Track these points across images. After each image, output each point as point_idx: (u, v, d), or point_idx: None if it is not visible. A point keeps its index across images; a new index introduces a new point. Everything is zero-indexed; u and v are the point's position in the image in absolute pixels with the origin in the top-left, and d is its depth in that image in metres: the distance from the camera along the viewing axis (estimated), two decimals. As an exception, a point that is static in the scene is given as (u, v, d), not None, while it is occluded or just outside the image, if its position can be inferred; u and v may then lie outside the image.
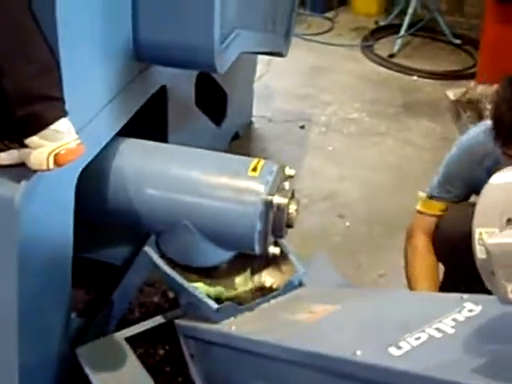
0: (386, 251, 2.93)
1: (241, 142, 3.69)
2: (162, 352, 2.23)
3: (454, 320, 1.32)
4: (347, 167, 3.53)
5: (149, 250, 1.95)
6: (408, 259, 2.26)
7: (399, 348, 1.23)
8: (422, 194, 2.30)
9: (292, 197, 1.91)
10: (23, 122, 1.45)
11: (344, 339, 1.43)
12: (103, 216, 1.98)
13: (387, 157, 3.65)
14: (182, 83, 2.50)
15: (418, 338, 1.27)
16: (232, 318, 1.83)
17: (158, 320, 2.11)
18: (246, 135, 3.79)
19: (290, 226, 1.91)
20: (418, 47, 5.10)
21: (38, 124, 1.45)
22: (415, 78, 4.59)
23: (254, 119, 3.93)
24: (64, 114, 1.48)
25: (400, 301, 1.65)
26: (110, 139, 1.92)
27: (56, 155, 1.47)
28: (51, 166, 1.47)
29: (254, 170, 1.87)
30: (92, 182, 1.92)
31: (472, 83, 4.14)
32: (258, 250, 1.88)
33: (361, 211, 3.18)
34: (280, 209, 1.84)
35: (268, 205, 1.83)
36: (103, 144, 1.88)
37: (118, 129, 1.96)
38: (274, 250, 1.91)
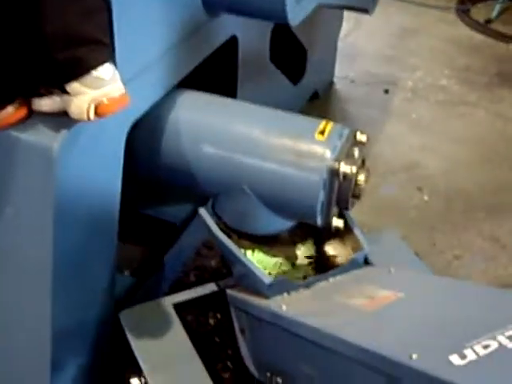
0: (464, 230, 2.72)
1: (319, 102, 3.50)
2: (212, 321, 2.08)
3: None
4: (431, 137, 3.30)
5: (203, 212, 1.81)
6: None
7: (463, 357, 1.05)
8: None
9: (362, 165, 1.72)
10: (64, 66, 1.32)
11: (401, 337, 1.26)
12: (156, 173, 1.84)
13: (475, 129, 3.40)
14: (255, 35, 2.32)
15: (486, 347, 1.09)
16: (285, 294, 1.68)
17: (210, 288, 1.97)
18: (326, 96, 3.60)
19: (357, 197, 1.73)
20: (518, 13, 4.75)
21: (79, 68, 1.32)
22: (512, 46, 4.28)
23: (335, 79, 3.72)
24: (108, 59, 1.34)
25: (473, 297, 1.46)
26: (168, 90, 1.76)
27: (97, 104, 1.33)
28: (92, 116, 1.34)
29: (322, 133, 1.69)
30: (145, 136, 1.78)
31: None
32: (319, 221, 1.72)
33: (441, 185, 2.96)
34: (347, 178, 1.66)
35: (333, 173, 1.65)
36: (159, 95, 1.73)
37: (177, 80, 1.81)
38: (337, 222, 1.74)
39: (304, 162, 1.67)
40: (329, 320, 1.46)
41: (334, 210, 1.73)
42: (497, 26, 4.48)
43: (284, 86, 2.88)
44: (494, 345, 1.09)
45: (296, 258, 1.88)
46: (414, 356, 1.07)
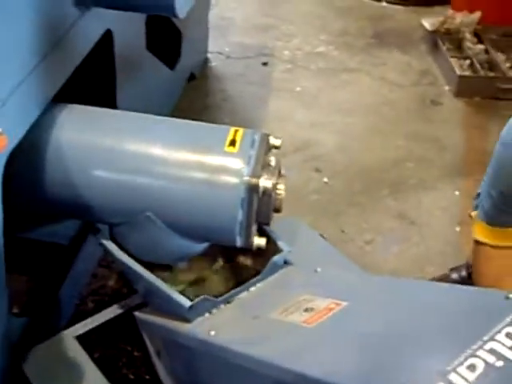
0: (370, 211, 2.58)
1: (196, 83, 3.25)
2: (123, 351, 1.85)
3: (508, 335, 0.97)
4: (318, 111, 3.13)
5: (107, 243, 1.56)
6: None
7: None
8: (480, 222, 1.72)
9: (279, 174, 1.51)
10: None
11: (354, 360, 1.08)
12: (40, 205, 1.56)
13: (362, 97, 3.26)
14: (130, 25, 2.05)
15: (471, 368, 0.91)
16: (206, 315, 1.48)
17: (113, 311, 1.75)
18: (202, 75, 3.35)
19: (277, 210, 1.52)
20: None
21: None
22: (384, 3, 4.17)
23: (209, 56, 3.48)
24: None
25: (431, 299, 1.26)
26: (43, 109, 1.48)
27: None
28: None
29: (232, 143, 1.47)
30: (24, 162, 1.49)
31: (449, 11, 3.73)
32: (239, 242, 1.50)
33: (338, 164, 2.80)
34: (267, 192, 1.45)
35: (252, 189, 1.44)
36: (34, 116, 1.44)
37: (53, 93, 1.52)
38: (259, 241, 1.53)
39: (217, 179, 1.45)
40: (267, 343, 1.28)
41: (254, 227, 1.51)
42: (365, -16, 4.36)
43: (162, 72, 2.63)
44: (479, 364, 0.91)
45: (204, 277, 1.66)
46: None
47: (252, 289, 1.55)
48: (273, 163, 1.51)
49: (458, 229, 2.50)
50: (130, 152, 1.49)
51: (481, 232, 1.72)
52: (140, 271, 1.51)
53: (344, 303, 1.34)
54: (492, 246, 1.69)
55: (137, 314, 1.61)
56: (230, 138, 1.48)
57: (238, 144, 1.47)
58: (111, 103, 1.95)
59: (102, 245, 1.58)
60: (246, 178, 1.43)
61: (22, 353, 1.60)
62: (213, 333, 1.39)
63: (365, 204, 2.59)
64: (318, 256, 1.78)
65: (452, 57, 3.41)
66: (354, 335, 1.21)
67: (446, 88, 3.36)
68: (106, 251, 1.59)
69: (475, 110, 3.22)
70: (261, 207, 1.48)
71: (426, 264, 2.34)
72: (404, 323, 1.19)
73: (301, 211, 2.44)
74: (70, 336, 1.69)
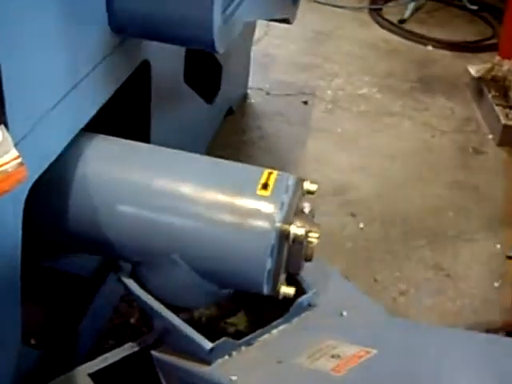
0: (406, 260, 2.49)
1: (234, 118, 3.20)
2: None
3: None
4: (358, 154, 3.05)
5: (128, 281, 1.49)
6: None
7: None
8: None
9: (312, 222, 1.44)
10: None
11: None
12: (61, 236, 1.50)
13: (403, 142, 3.17)
14: (168, 56, 2.00)
15: None
16: (226, 357, 1.41)
17: (129, 349, 1.68)
18: (241, 111, 3.30)
19: (309, 259, 1.44)
20: (430, 12, 4.58)
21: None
22: (430, 47, 4.09)
23: (249, 91, 3.43)
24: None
25: (464, 347, 1.25)
26: (72, 138, 1.43)
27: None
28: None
29: (265, 186, 1.40)
30: (49, 192, 1.44)
31: (496, 58, 3.64)
32: (266, 291, 1.43)
33: (375, 209, 2.71)
34: (298, 240, 1.38)
35: (283, 236, 1.36)
36: (63, 145, 1.39)
37: (84, 123, 1.47)
38: (286, 290, 1.45)
39: (247, 223, 1.37)
40: None
41: (283, 276, 1.44)
42: (411, 27, 4.30)
43: (199, 106, 2.57)
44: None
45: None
46: None
47: (274, 331, 1.48)
48: (306, 210, 1.44)
49: (496, 284, 2.40)
50: (158, 189, 1.43)
51: None
52: (159, 309, 1.45)
53: (373, 351, 1.28)
54: None
55: (154, 352, 1.54)
56: (262, 180, 1.41)
57: (270, 188, 1.40)
58: (145, 136, 1.90)
59: (121, 282, 1.51)
60: (278, 224, 1.36)
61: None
62: (234, 378, 1.32)
63: (400, 252, 2.50)
64: (343, 299, 1.67)
65: (497, 105, 3.32)
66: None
67: (490, 136, 3.27)
68: (126, 288, 1.53)
69: (519, 160, 3.12)
70: (291, 255, 1.41)
71: (460, 321, 2.25)
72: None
73: (334, 257, 2.36)
74: (83, 373, 1.63)
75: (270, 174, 1.43)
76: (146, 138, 1.89)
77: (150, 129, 1.92)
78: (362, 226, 2.61)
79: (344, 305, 1.56)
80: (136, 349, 1.68)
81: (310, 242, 1.43)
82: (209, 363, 1.40)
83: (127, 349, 1.69)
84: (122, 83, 1.66)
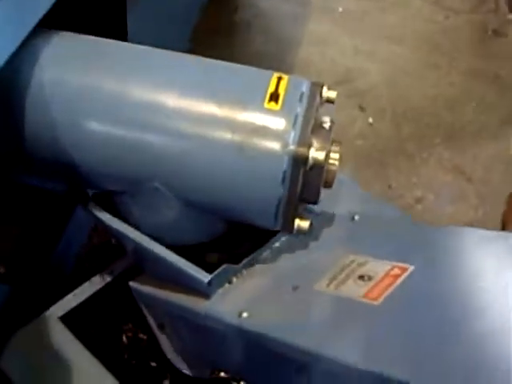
0: (422, 163, 2.21)
1: (223, -4, 2.82)
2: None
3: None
4: (364, 37, 2.71)
5: (102, 214, 1.21)
6: None
7: None
8: None
9: (332, 139, 1.14)
10: None
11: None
12: (20, 161, 1.19)
13: (414, 23, 2.83)
14: None
15: None
16: (227, 285, 1.16)
17: (98, 283, 1.46)
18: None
19: (329, 185, 1.15)
20: None
21: None
22: None
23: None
24: None
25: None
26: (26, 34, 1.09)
27: None
28: None
29: (274, 97, 1.08)
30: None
31: None
32: (277, 226, 1.14)
33: (385, 101, 2.41)
34: (317, 165, 1.08)
35: (298, 161, 1.06)
36: (12, 48, 1.06)
37: (39, 16, 1.13)
38: (302, 223, 1.16)
39: (251, 145, 1.07)
40: (331, 335, 0.97)
41: (299, 207, 1.15)
42: None
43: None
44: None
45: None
46: None
47: (276, 245, 1.23)
48: (327, 124, 1.13)
49: (523, 190, 2.13)
50: (135, 99, 1.11)
51: None
52: (142, 241, 1.18)
53: (409, 267, 1.04)
54: None
55: (132, 284, 1.29)
56: (271, 89, 1.09)
57: (281, 98, 1.08)
58: (120, 28, 1.56)
59: (92, 215, 1.22)
60: (292, 147, 1.06)
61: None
62: (245, 314, 1.08)
63: (414, 153, 2.22)
64: (355, 204, 1.38)
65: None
66: (443, 318, 0.93)
67: (510, 17, 2.91)
68: (98, 220, 1.24)
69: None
70: (308, 182, 1.11)
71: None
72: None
73: (343, 158, 2.06)
74: (53, 317, 1.39)
75: (279, 79, 1.12)
76: (122, 30, 1.56)
77: (126, 16, 1.58)
78: (371, 120, 2.31)
79: (356, 209, 1.29)
80: (108, 280, 1.45)
81: (332, 165, 1.13)
82: (207, 296, 1.15)
83: (97, 282, 1.46)
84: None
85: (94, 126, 1.11)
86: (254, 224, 1.18)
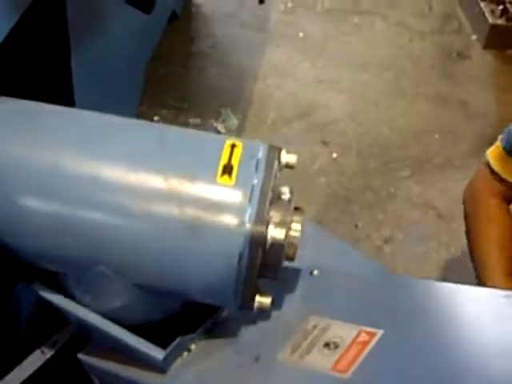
0: (389, 198, 2.10)
1: (179, 24, 2.71)
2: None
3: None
4: (325, 63, 2.63)
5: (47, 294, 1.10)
6: (478, 229, 1.58)
7: None
8: (498, 144, 1.57)
9: (292, 210, 1.04)
10: None
11: None
12: None
13: (376, 47, 2.75)
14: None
15: None
16: (185, 354, 1.06)
17: (40, 358, 1.27)
18: (186, 14, 2.81)
19: (291, 258, 1.06)
20: None
21: None
22: None
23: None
24: None
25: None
26: None
27: None
28: None
29: (228, 170, 0.98)
30: None
31: None
32: (237, 305, 1.04)
33: (350, 134, 2.31)
34: (276, 244, 0.98)
35: (255, 242, 0.96)
36: None
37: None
38: (262, 299, 1.06)
39: (202, 225, 0.96)
40: None
41: (257, 285, 1.04)
42: None
43: (135, 19, 2.10)
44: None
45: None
46: None
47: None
48: (286, 195, 1.03)
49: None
50: (74, 173, 1.00)
51: (494, 156, 1.57)
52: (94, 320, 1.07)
53: (378, 332, 0.94)
54: (495, 174, 1.54)
55: (82, 356, 1.16)
56: (224, 160, 0.99)
57: (235, 170, 0.98)
58: (65, 81, 1.45)
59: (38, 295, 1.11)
60: (248, 226, 0.95)
61: None
62: None
63: (381, 189, 2.12)
64: (313, 251, 1.27)
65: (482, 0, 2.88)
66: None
67: (474, 37, 2.85)
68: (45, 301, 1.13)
69: (508, 66, 2.72)
70: (268, 260, 1.01)
71: (456, 272, 1.90)
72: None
73: (305, 196, 1.97)
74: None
75: (233, 147, 1.01)
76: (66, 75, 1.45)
77: (71, 65, 1.47)
78: (335, 156, 2.21)
79: (316, 261, 1.18)
80: (51, 353, 1.28)
81: (293, 238, 1.03)
82: (163, 371, 1.04)
83: (38, 357, 1.30)
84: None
85: (28, 202, 1.00)
86: (212, 304, 1.08)
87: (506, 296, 0.97)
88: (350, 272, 1.18)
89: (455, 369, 0.88)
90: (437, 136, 2.32)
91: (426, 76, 2.58)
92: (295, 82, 2.48)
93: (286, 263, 1.12)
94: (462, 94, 2.52)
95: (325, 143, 2.23)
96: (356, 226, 1.98)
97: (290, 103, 2.33)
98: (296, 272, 1.17)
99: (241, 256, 0.96)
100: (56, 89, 1.39)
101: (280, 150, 1.05)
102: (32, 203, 1.00)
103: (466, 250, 1.88)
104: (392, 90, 2.50)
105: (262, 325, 1.10)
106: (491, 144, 2.15)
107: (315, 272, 1.16)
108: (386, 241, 1.95)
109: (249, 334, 1.09)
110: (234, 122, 2.20)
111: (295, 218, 1.03)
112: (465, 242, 1.91)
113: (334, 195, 2.07)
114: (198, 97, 2.09)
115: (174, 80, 2.27)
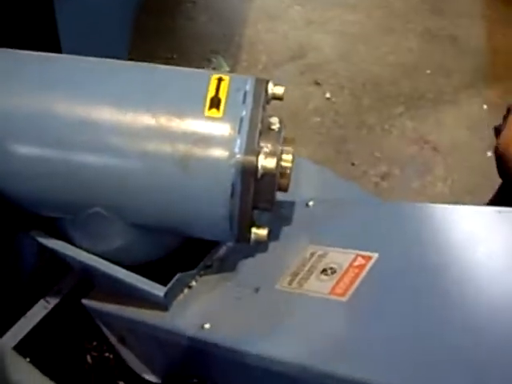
0: (384, 135, 2.11)
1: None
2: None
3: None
4: (315, 6, 2.60)
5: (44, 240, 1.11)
6: None
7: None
8: None
9: (282, 140, 1.05)
10: None
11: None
12: None
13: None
14: None
15: None
16: (186, 291, 1.10)
17: (45, 307, 1.32)
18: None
19: (284, 189, 1.07)
20: None
21: None
22: None
23: None
24: None
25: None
26: None
27: None
28: None
29: (216, 103, 0.99)
30: None
31: None
32: (233, 238, 1.06)
33: (342, 73, 2.31)
34: (268, 173, 0.99)
35: (247, 172, 0.98)
36: None
37: None
38: (259, 231, 1.08)
39: (193, 159, 0.98)
40: (295, 340, 0.93)
41: (253, 215, 1.06)
42: None
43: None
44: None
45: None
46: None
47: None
48: (275, 124, 1.04)
49: (490, 154, 2.05)
50: (62, 115, 1.01)
51: None
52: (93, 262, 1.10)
53: (373, 255, 0.97)
54: None
55: (86, 302, 1.21)
56: (211, 94, 1.00)
57: (223, 103, 0.99)
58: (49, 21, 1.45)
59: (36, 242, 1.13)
60: (239, 157, 0.97)
61: None
62: (207, 326, 1.01)
63: (376, 125, 2.12)
64: (310, 185, 1.29)
65: None
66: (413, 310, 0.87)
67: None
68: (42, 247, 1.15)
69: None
70: (261, 191, 1.02)
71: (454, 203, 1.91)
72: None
73: (300, 138, 1.97)
74: (7, 348, 1.27)
75: (219, 80, 1.02)
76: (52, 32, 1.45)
77: (55, 14, 1.47)
78: (328, 95, 2.22)
79: (314, 194, 1.22)
80: (56, 302, 1.32)
81: (285, 168, 1.05)
82: (165, 308, 1.08)
83: (43, 306, 1.33)
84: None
85: (20, 148, 1.02)
86: (208, 238, 1.10)
87: (499, 212, 0.99)
88: (344, 201, 1.21)
89: (450, 288, 0.90)
90: (428, 71, 2.31)
91: (415, 11, 2.56)
92: (285, 26, 2.47)
93: (282, 198, 1.15)
94: (453, 28, 2.51)
95: (317, 84, 2.24)
96: (352, 164, 1.99)
97: (281, 46, 2.33)
98: (292, 204, 1.19)
99: (233, 187, 0.98)
100: (41, 37, 1.39)
101: (267, 81, 1.06)
102: (22, 148, 1.01)
103: (462, 182, 1.91)
104: (382, 28, 2.49)
105: (260, 257, 1.13)
106: (483, 78, 2.16)
107: (311, 203, 1.18)
108: (383, 177, 1.96)
109: (248, 267, 1.12)
110: (225, 68, 2.21)
111: (286, 148, 1.05)
112: (460, 174, 1.93)
113: (329, 134, 2.08)
114: (187, 46, 2.09)
115: (162, 30, 2.27)
